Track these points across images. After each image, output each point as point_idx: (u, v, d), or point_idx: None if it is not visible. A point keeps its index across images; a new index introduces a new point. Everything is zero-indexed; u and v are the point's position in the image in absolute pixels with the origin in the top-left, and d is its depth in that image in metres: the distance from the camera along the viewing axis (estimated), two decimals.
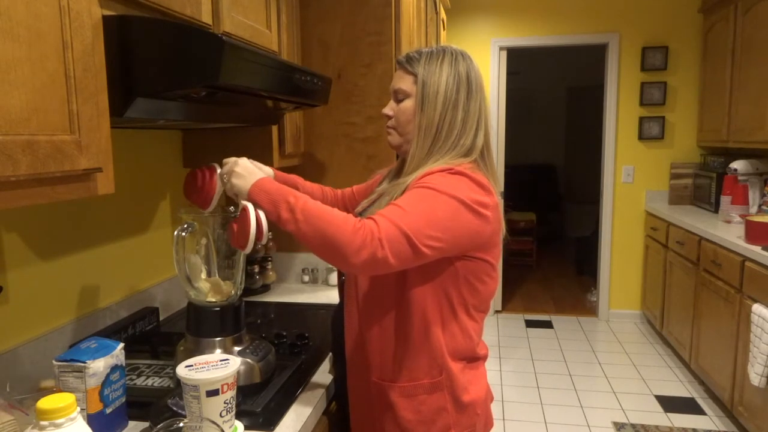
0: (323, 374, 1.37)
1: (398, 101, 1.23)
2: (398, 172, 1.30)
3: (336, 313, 1.35)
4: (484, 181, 1.12)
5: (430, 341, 1.15)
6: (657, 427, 2.97)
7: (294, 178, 1.47)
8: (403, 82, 1.21)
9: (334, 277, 2.20)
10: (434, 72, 1.17)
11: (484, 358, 1.26)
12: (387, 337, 1.18)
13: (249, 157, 1.85)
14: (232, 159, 1.19)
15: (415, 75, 1.19)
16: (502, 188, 4.68)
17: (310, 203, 1.03)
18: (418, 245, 1.01)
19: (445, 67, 1.17)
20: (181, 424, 0.81)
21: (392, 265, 1.01)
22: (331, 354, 1.45)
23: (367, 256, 0.98)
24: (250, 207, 1.14)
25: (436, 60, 1.18)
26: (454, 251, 1.10)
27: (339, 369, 1.35)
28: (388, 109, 1.25)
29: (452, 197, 1.06)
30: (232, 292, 1.28)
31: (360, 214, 1.25)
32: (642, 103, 4.39)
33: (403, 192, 1.12)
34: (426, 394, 1.15)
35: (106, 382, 1.05)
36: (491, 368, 3.74)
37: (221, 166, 1.25)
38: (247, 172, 1.13)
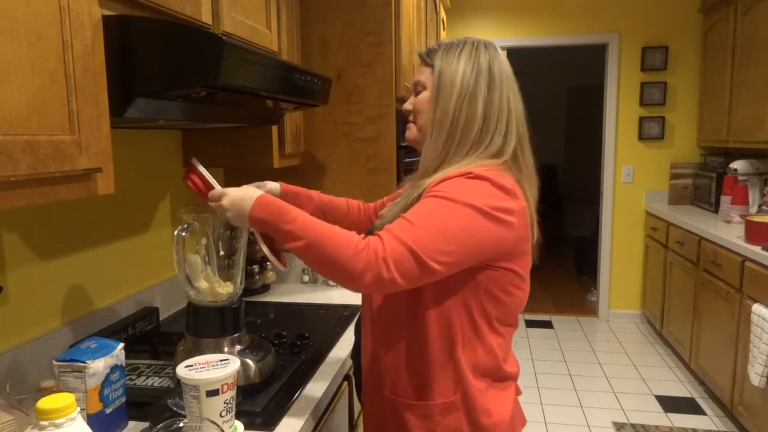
0: (323, 374, 1.37)
1: (417, 94, 1.17)
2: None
3: (359, 319, 1.32)
4: (508, 184, 1.04)
5: (447, 358, 1.08)
6: (657, 427, 2.97)
7: (308, 192, 1.42)
8: (422, 74, 1.16)
9: None
10: (451, 62, 1.11)
11: (514, 377, 1.16)
12: (400, 352, 1.11)
13: (250, 157, 1.86)
14: (217, 193, 1.12)
15: (432, 66, 1.14)
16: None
17: (308, 222, 1.00)
18: (427, 262, 0.95)
19: (464, 57, 1.10)
20: (181, 424, 0.81)
21: (401, 285, 0.96)
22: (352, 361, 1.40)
23: (372, 278, 0.94)
24: (258, 236, 1.16)
25: (454, 50, 1.12)
26: (472, 263, 1.02)
27: (356, 376, 1.32)
28: (408, 104, 1.20)
29: (467, 205, 0.98)
30: (232, 292, 1.28)
31: (375, 226, 1.19)
32: (642, 103, 4.39)
33: (419, 197, 1.06)
34: (440, 415, 1.08)
35: (106, 382, 1.05)
36: None
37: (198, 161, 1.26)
38: (235, 205, 1.08)
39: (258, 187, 1.32)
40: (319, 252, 0.97)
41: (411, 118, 1.19)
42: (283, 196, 1.37)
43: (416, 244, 0.95)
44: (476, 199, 0.99)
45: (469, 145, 1.09)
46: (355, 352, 1.31)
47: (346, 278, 0.96)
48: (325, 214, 1.41)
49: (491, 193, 1.01)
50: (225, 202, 1.09)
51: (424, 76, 1.16)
